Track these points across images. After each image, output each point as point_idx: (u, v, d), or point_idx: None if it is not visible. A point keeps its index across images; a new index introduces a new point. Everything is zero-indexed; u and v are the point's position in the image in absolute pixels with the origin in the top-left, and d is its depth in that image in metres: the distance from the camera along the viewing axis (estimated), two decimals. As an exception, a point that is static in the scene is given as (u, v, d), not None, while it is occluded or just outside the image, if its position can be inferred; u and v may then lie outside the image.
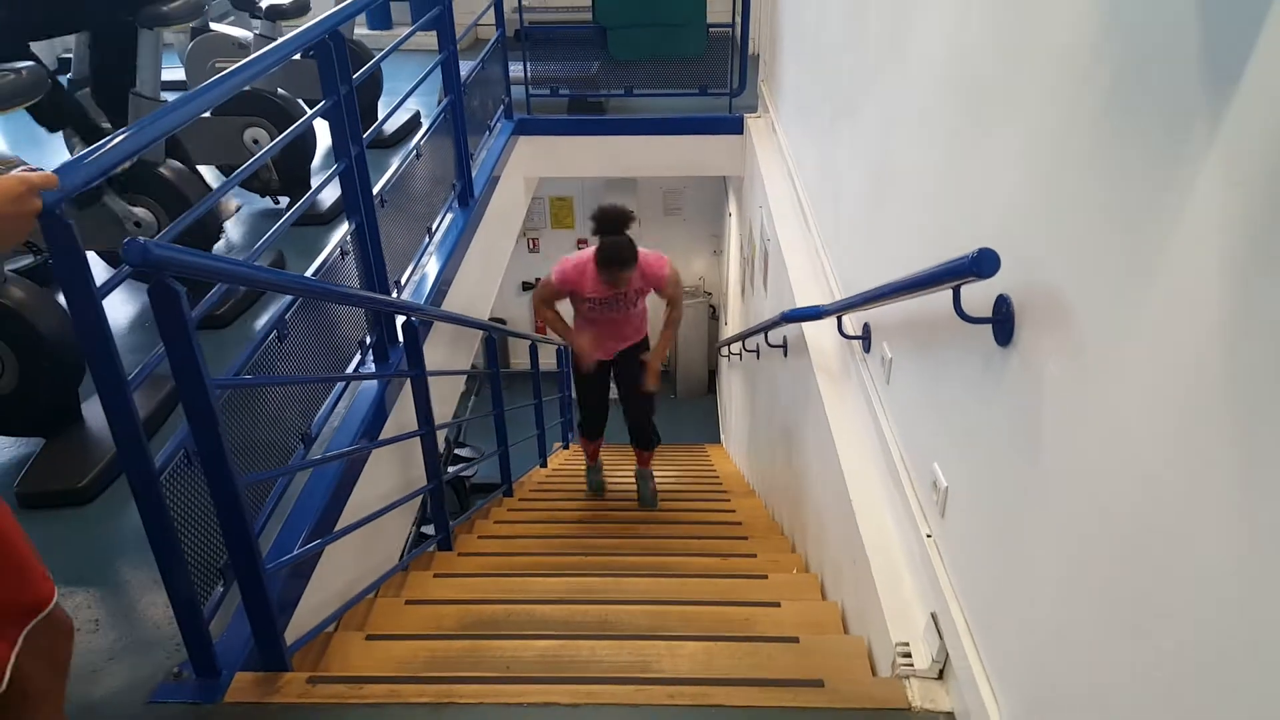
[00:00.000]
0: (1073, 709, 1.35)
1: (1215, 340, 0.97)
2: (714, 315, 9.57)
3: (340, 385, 2.79)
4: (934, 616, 1.93)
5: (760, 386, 5.12)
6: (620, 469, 5.20)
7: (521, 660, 2.19)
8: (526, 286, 9.89)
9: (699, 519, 4.49)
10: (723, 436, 8.46)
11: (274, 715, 1.86)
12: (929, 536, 2.03)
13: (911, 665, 1.93)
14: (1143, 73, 1.15)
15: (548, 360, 7.49)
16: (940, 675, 1.90)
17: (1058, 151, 1.42)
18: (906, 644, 1.99)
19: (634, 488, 4.74)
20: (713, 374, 9.76)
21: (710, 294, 9.56)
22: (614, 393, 4.34)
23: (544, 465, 6.13)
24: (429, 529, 5.29)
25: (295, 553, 2.18)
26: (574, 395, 4.17)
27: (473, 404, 8.44)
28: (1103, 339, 1.25)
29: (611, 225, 3.61)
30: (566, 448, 7.34)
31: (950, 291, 1.68)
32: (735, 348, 5.98)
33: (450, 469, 6.46)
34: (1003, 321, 1.60)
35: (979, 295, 1.65)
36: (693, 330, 9.40)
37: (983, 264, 1.49)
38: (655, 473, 4.74)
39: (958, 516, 1.89)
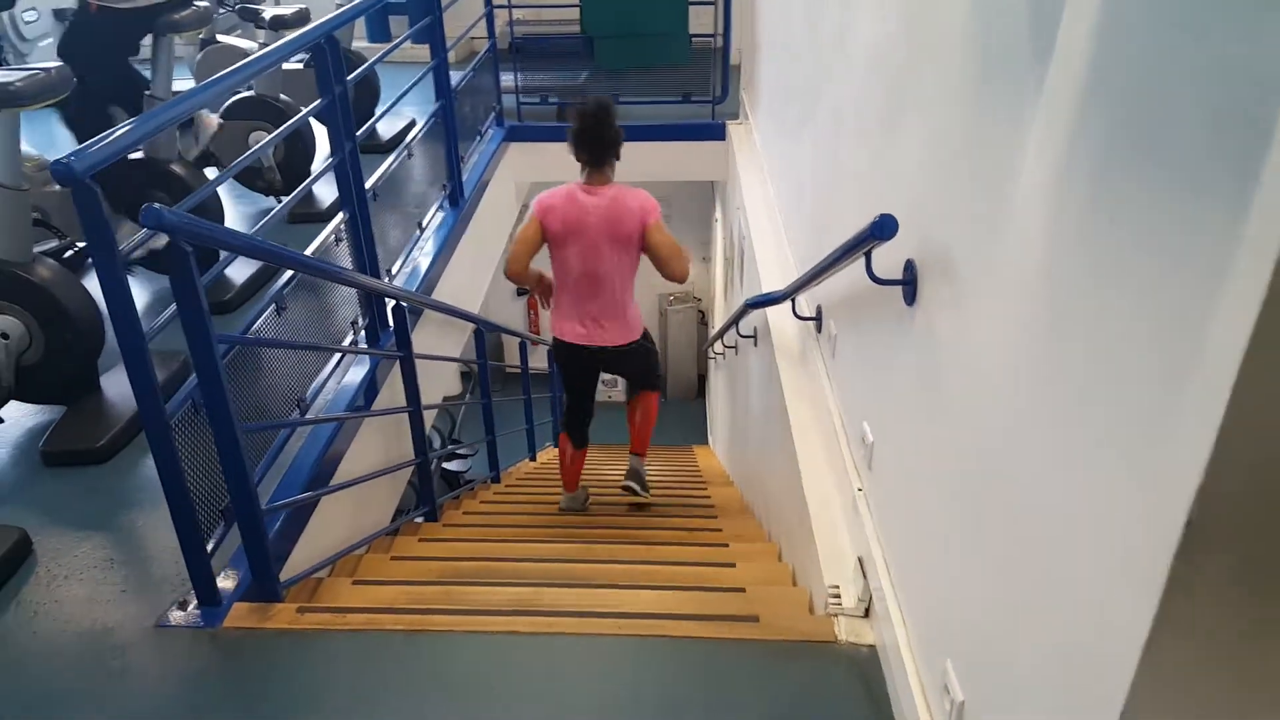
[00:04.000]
0: (949, 623, 1.58)
1: (1041, 276, 1.20)
2: (703, 321, 9.82)
3: (334, 360, 3.02)
4: (860, 561, 2.16)
5: (738, 380, 5.36)
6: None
7: (491, 603, 2.40)
8: (521, 292, 10.13)
9: (674, 500, 4.71)
10: (710, 438, 8.68)
11: (267, 639, 2.09)
12: (860, 490, 2.26)
13: (840, 604, 2.16)
14: (990, 60, 1.40)
15: (538, 363, 7.74)
16: (866, 613, 2.12)
17: (943, 127, 1.66)
18: (837, 586, 2.21)
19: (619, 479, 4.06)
20: (702, 378, 10.00)
21: (699, 299, 9.81)
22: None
23: (533, 459, 6.35)
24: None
25: (289, 499, 2.41)
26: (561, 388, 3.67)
27: (466, 401, 8.67)
28: (968, 288, 1.49)
29: (589, 117, 3.20)
30: (557, 445, 7.56)
31: (865, 258, 1.92)
32: (719, 347, 6.22)
33: (446, 465, 6.69)
34: (910, 283, 1.83)
35: (892, 260, 1.89)
36: (682, 334, 9.65)
37: (883, 228, 1.73)
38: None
39: (880, 467, 2.12)
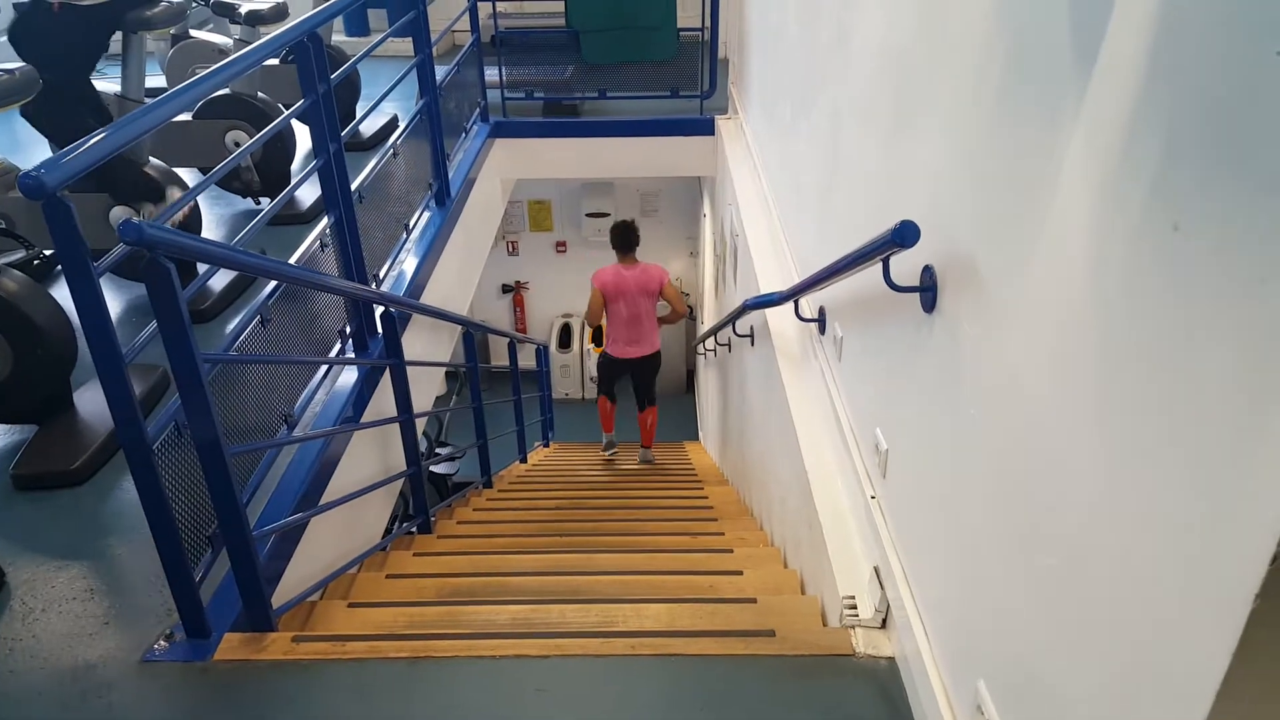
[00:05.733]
0: (981, 641, 1.50)
1: (1084, 286, 1.12)
2: (691, 315, 9.71)
3: (321, 371, 2.91)
4: (876, 570, 2.08)
5: (732, 378, 5.28)
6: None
7: (495, 623, 2.32)
8: (506, 289, 10.01)
9: (672, 503, 4.63)
10: (700, 434, 8.60)
11: (262, 671, 1.99)
12: (873, 498, 2.18)
13: (856, 615, 2.08)
14: (1023, 64, 1.32)
15: (527, 360, 7.63)
16: (883, 624, 2.05)
17: (965, 132, 1.57)
18: (853, 596, 2.13)
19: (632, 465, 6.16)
20: (690, 374, 9.92)
21: (688, 294, 9.69)
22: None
23: (524, 461, 6.25)
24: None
25: (280, 521, 2.31)
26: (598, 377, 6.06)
27: (454, 404, 8.56)
28: (1000, 296, 1.40)
29: (621, 227, 5.47)
30: (547, 445, 7.46)
31: (882, 265, 1.84)
32: (710, 344, 6.14)
33: (434, 468, 6.58)
34: (929, 289, 1.75)
35: (908, 266, 1.81)
36: (670, 330, 9.53)
37: (905, 235, 1.64)
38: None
39: (896, 475, 2.04)
